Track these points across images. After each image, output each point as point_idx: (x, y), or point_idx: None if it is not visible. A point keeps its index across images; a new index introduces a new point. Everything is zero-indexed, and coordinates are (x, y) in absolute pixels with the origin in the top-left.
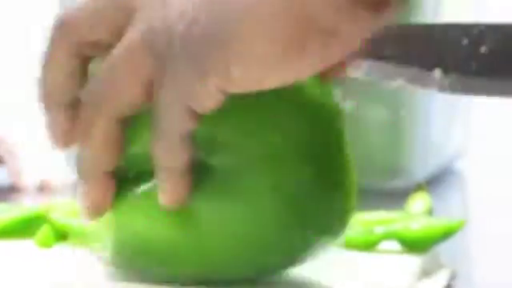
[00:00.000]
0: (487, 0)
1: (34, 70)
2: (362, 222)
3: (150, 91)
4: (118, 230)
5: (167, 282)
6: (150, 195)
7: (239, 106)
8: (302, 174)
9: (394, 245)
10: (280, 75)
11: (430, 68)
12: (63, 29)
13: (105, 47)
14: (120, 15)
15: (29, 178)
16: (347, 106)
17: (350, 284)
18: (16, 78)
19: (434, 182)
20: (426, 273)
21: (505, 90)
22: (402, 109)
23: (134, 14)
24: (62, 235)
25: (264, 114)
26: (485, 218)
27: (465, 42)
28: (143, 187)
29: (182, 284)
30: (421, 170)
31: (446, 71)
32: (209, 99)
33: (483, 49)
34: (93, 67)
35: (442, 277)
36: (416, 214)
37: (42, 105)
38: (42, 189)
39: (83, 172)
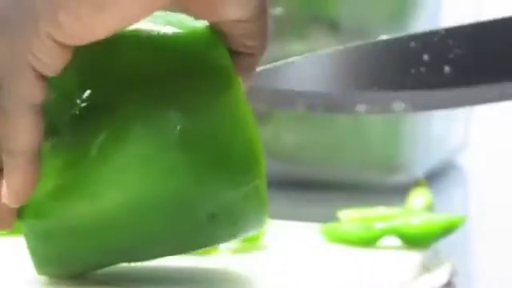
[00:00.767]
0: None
1: None
2: (362, 218)
3: None
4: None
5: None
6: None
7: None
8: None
9: (395, 240)
10: (106, 17)
11: (390, 91)
12: None
13: None
14: None
15: None
16: None
17: (351, 280)
18: None
19: (435, 177)
20: (426, 268)
21: (477, 97)
22: None
23: None
24: None
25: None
26: (486, 213)
27: (425, 57)
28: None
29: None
30: (421, 164)
31: (405, 98)
32: (48, 53)
33: (446, 68)
34: None
35: (442, 273)
36: (416, 210)
37: None
38: None
39: None
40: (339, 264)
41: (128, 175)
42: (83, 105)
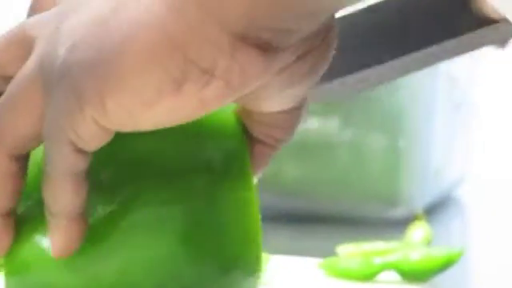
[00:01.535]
0: None
1: None
2: (361, 252)
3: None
4: (15, 273)
5: None
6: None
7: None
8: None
9: (394, 275)
10: (154, 114)
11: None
12: None
13: None
14: (22, 47)
15: None
16: (346, 134)
17: None
18: None
19: (434, 211)
20: None
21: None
22: (401, 137)
23: (34, 43)
24: None
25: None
26: (485, 246)
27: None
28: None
29: None
30: (420, 198)
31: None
32: (89, 134)
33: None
34: None
35: None
36: (415, 244)
37: None
38: None
39: None
40: None
41: (127, 259)
42: (95, 177)
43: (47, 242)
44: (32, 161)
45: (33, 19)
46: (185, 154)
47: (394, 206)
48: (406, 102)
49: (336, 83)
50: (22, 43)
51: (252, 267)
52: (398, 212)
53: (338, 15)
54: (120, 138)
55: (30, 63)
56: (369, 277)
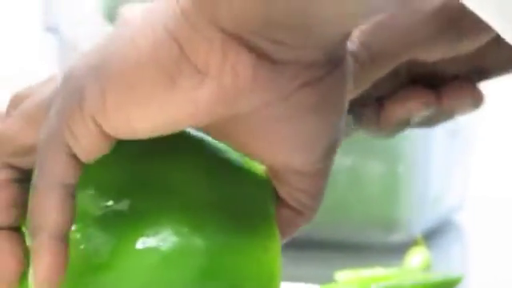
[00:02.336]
0: None
1: None
2: (359, 279)
3: None
4: None
5: None
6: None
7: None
8: None
9: None
10: (149, 114)
11: None
12: None
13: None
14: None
15: None
16: (345, 160)
17: None
18: None
19: (433, 236)
20: None
21: None
22: (400, 163)
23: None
24: None
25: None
26: (484, 271)
27: None
28: None
29: None
30: (419, 223)
31: None
32: (87, 137)
33: None
34: None
35: None
36: (414, 270)
37: None
38: None
39: None
40: None
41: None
42: (110, 209)
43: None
44: None
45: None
46: (213, 189)
47: (392, 231)
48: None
49: None
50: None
51: None
52: (397, 237)
53: None
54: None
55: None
56: None
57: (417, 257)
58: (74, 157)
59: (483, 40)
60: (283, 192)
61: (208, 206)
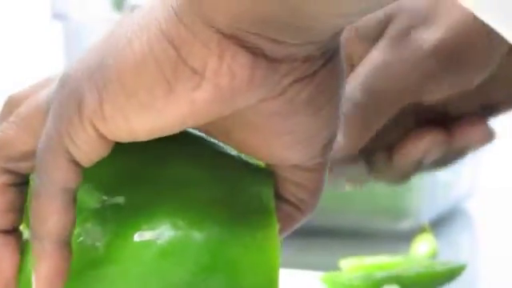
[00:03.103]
0: None
1: None
2: (364, 266)
3: None
4: None
5: None
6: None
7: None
8: None
9: None
10: (147, 117)
11: None
12: None
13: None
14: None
15: None
16: None
17: None
18: None
19: (442, 223)
20: None
21: None
22: None
23: None
24: None
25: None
26: (492, 259)
27: None
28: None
29: None
30: (428, 211)
31: None
32: (86, 142)
33: None
34: None
35: None
36: (419, 257)
37: None
38: None
39: None
40: None
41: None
42: (108, 202)
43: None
44: None
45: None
46: (212, 184)
47: (401, 219)
48: None
49: None
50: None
51: None
52: (406, 225)
53: None
54: (145, 157)
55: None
56: None
57: (423, 244)
58: (75, 162)
59: (485, 72)
60: (281, 187)
61: (207, 200)
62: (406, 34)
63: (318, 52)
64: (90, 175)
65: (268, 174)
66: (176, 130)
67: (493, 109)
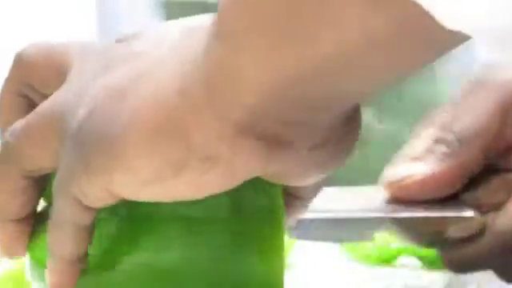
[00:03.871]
0: None
1: None
2: (380, 237)
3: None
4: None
5: None
6: None
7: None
8: None
9: (414, 261)
10: (153, 192)
11: None
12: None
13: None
14: (58, 65)
15: None
16: (381, 126)
17: None
18: None
19: None
20: None
21: None
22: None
23: (67, 70)
24: None
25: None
26: None
27: None
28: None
29: None
30: None
31: None
32: (95, 196)
33: None
34: None
35: None
36: None
37: None
38: None
39: None
40: (361, 282)
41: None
42: (105, 217)
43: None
44: None
45: (80, 46)
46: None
47: None
48: (441, 92)
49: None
50: (61, 60)
51: None
52: None
53: None
54: None
55: (56, 100)
56: (387, 261)
57: None
58: (86, 206)
59: None
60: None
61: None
62: (485, 77)
63: (335, 121)
64: None
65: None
66: (182, 199)
67: None
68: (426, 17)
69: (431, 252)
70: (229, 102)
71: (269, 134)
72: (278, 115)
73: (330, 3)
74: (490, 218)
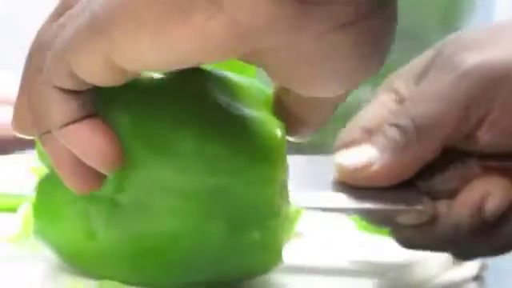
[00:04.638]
0: None
1: None
2: None
3: None
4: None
5: None
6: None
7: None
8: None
9: None
10: (158, 47)
11: None
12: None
13: None
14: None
15: None
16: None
17: (379, 272)
18: None
19: None
20: (455, 261)
21: None
22: None
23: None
24: None
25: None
26: None
27: None
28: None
29: None
30: None
31: None
32: (94, 67)
33: None
34: None
35: (471, 266)
36: None
37: None
38: None
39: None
40: (369, 252)
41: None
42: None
43: None
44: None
45: None
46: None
47: None
48: None
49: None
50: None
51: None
52: None
53: None
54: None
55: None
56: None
57: None
58: (72, 74)
59: None
60: (295, 108)
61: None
62: (451, 58)
63: None
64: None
65: (283, 136)
66: (188, 63)
67: None
68: None
69: None
70: None
71: None
72: None
73: None
74: (443, 205)
